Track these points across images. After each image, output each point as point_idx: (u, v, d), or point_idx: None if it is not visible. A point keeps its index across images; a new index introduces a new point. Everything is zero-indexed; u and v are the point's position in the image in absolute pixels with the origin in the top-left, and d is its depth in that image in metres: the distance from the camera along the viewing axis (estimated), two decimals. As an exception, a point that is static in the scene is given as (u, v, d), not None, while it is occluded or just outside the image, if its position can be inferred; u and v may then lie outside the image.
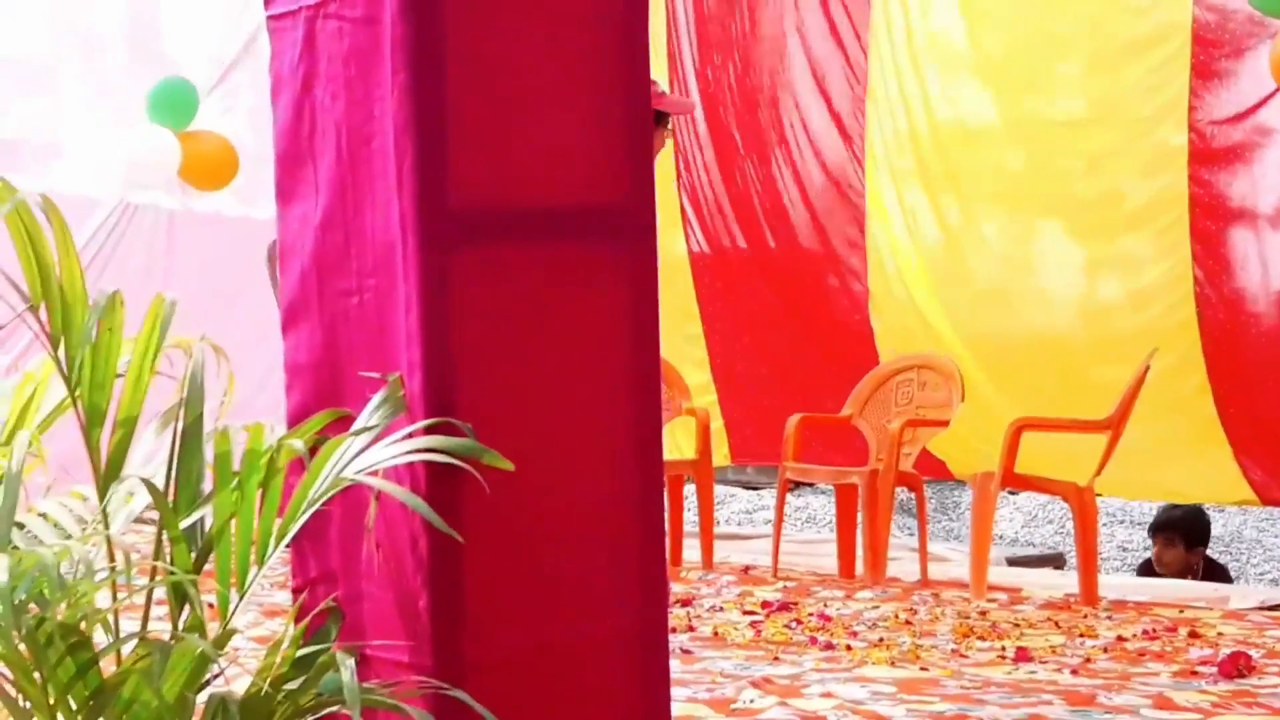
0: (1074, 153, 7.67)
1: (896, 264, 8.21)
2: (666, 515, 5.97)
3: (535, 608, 2.64)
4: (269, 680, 2.53)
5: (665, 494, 3.07)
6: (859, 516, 6.77)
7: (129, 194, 8.10)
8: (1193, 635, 5.38)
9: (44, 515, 2.79)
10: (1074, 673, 4.74)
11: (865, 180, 8.36)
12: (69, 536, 2.70)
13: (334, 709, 2.60)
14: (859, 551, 6.79)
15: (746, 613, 5.85)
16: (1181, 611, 5.93)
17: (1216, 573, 7.88)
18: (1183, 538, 7.77)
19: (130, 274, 7.60)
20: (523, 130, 2.66)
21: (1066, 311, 7.78)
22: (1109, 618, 5.79)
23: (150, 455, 2.78)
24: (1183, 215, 7.25)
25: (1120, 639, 5.31)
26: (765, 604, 5.99)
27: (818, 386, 8.25)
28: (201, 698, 2.55)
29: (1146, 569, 7.99)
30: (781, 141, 8.51)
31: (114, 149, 7.90)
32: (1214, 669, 4.74)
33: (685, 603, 5.94)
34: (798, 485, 7.57)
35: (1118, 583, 6.97)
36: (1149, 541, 8.39)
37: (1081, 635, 5.39)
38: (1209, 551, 8.16)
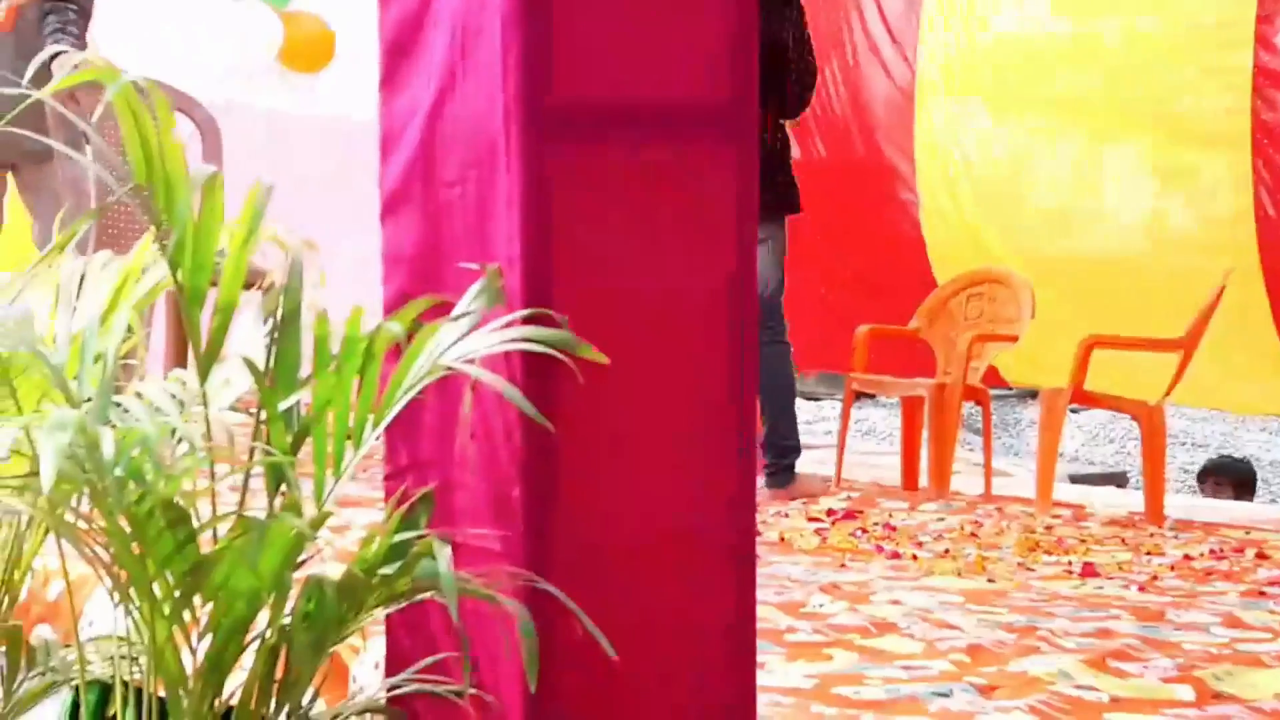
0: (1142, 72, 7.63)
1: (944, 176, 8.18)
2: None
3: (628, 503, 2.66)
4: (365, 565, 2.56)
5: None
6: (924, 430, 6.78)
7: (229, 79, 7.94)
8: (1260, 556, 5.38)
9: (139, 395, 2.82)
10: (1141, 589, 4.75)
11: (915, 91, 8.33)
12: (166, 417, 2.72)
13: (426, 595, 2.63)
14: (923, 464, 6.81)
15: (811, 519, 5.88)
16: (1248, 533, 5.93)
17: None
18: (1232, 484, 7.77)
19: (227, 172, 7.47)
20: (629, 26, 2.65)
21: (1131, 232, 7.76)
22: (1175, 536, 5.80)
23: (248, 342, 2.80)
24: (1244, 134, 7.22)
25: (1187, 558, 5.32)
26: (830, 512, 6.01)
27: (872, 296, 8.25)
28: (297, 578, 2.58)
29: None
30: (836, 46, 8.45)
31: (216, 28, 7.76)
32: (1282, 590, 4.76)
33: (750, 508, 5.95)
34: (859, 396, 7.57)
35: (1180, 503, 6.97)
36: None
37: (1148, 553, 5.39)
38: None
